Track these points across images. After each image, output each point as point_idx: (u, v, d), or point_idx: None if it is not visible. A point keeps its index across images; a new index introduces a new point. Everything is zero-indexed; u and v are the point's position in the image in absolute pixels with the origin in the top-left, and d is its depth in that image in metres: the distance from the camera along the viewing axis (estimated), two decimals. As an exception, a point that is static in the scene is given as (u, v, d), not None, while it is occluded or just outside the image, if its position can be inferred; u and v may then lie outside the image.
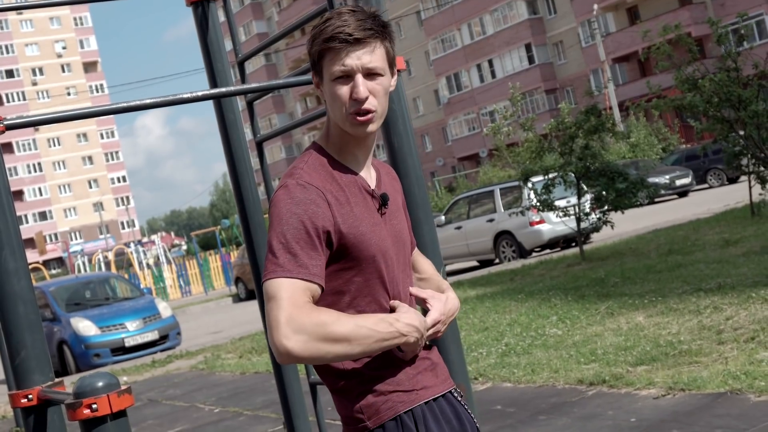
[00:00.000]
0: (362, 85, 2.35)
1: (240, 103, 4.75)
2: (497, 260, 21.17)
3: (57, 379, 3.35)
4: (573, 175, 15.73)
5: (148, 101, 3.39)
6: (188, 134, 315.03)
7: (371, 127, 2.40)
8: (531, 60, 64.25)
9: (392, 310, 2.39)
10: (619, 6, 57.80)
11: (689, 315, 8.68)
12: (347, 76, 2.36)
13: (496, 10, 65.26)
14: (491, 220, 21.00)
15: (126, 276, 33.54)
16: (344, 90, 2.36)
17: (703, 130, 16.22)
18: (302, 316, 2.19)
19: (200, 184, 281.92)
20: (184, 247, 71.20)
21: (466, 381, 3.73)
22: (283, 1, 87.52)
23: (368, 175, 2.50)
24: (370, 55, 2.36)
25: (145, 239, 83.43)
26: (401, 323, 2.31)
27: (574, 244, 20.70)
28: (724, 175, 33.54)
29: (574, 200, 16.91)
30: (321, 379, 2.48)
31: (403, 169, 3.86)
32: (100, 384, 2.60)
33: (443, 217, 22.12)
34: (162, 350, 17.10)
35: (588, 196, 16.60)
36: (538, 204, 16.18)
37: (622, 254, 15.18)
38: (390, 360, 2.39)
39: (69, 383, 13.09)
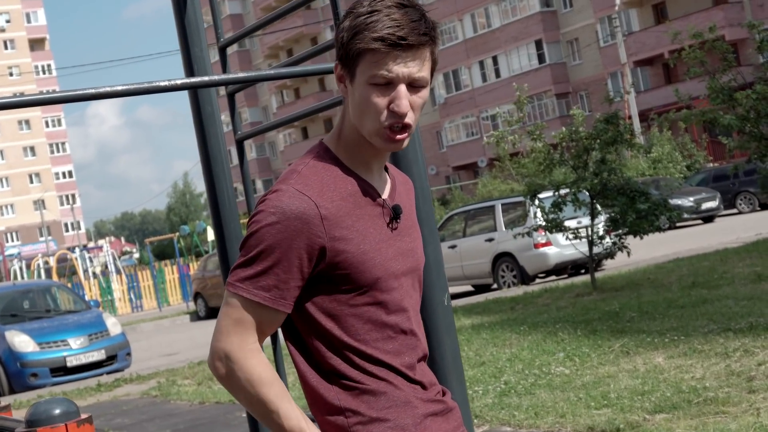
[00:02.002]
0: (405, 97, 2.31)
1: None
2: (495, 285, 21.19)
3: (2, 402, 3.33)
4: (587, 192, 15.75)
5: (119, 88, 3.37)
6: (147, 126, 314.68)
7: (404, 144, 2.38)
8: (541, 59, 64.45)
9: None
10: (644, 2, 58.06)
11: (716, 358, 8.70)
12: (388, 84, 2.31)
13: (504, 0, 65.46)
14: (490, 240, 21.02)
15: (69, 285, 33.40)
16: (381, 99, 2.31)
17: (735, 147, 16.28)
18: (241, 357, 2.29)
19: (157, 183, 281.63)
20: (137, 255, 71.16)
21: (470, 428, 3.72)
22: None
23: (381, 183, 2.46)
24: (418, 64, 2.32)
25: (91, 244, 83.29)
26: None
27: (583, 271, 20.75)
28: (756, 199, 33.69)
29: (585, 221, 16.92)
30: (310, 411, 2.46)
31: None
32: (57, 411, 2.58)
33: (436, 234, 22.15)
34: (109, 372, 17.03)
35: (602, 217, 16.62)
36: (546, 224, 16.18)
37: (638, 285, 15.21)
38: (396, 399, 2.36)
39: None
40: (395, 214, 2.43)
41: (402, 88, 2.30)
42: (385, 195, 2.45)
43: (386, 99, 2.31)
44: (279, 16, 4.50)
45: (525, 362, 10.25)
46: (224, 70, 4.76)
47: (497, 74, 67.17)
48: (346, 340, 2.35)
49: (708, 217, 33.01)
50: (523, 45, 65.12)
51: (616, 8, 50.74)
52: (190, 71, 4.80)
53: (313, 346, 2.37)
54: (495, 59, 67.24)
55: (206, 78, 3.64)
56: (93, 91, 3.36)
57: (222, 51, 4.77)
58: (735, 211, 34.43)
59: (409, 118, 2.32)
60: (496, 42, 66.61)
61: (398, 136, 2.34)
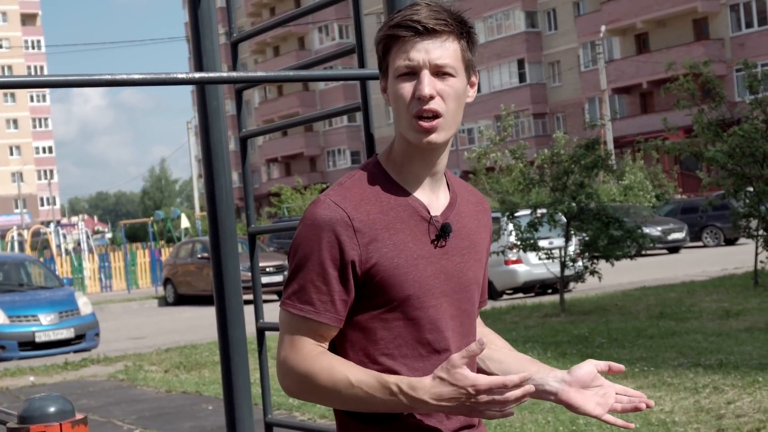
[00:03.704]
0: (428, 83, 2.23)
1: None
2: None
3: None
4: (563, 214, 15.66)
5: (136, 76, 3.19)
6: (131, 109, 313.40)
7: (435, 137, 2.26)
8: (522, 78, 64.55)
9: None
10: (628, 31, 58.20)
11: (685, 392, 8.59)
12: (412, 73, 2.25)
13: (491, 17, 65.48)
14: (462, 253, 20.88)
15: (42, 260, 33.07)
16: (407, 87, 2.25)
17: (710, 183, 16.23)
18: (295, 362, 2.25)
19: (135, 167, 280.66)
20: (109, 235, 70.58)
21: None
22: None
23: (433, 198, 2.35)
24: (440, 50, 2.26)
25: (65, 220, 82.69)
26: (416, 396, 2.13)
27: (550, 291, 20.67)
28: (722, 234, 33.78)
29: (557, 242, 16.84)
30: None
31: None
32: (52, 410, 2.42)
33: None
34: (76, 351, 16.75)
35: (575, 240, 16.53)
36: (520, 242, 16.08)
37: (606, 311, 15.12)
38: (414, 425, 2.27)
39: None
40: (443, 232, 2.31)
41: (425, 74, 2.24)
42: (436, 212, 2.34)
43: (412, 86, 2.26)
44: (295, 18, 4.35)
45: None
46: (234, 66, 4.60)
47: (477, 89, 66.29)
48: (375, 354, 2.27)
49: (674, 248, 33.05)
50: (505, 63, 65.18)
51: (600, 35, 50.78)
52: (199, 64, 4.64)
53: (347, 356, 2.29)
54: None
55: (224, 74, 3.48)
56: (108, 77, 3.18)
57: (234, 46, 4.61)
58: (700, 244, 34.49)
59: (436, 104, 2.24)
60: (478, 58, 66.01)
61: (426, 124, 2.23)
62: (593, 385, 2.36)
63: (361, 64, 3.85)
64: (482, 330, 2.53)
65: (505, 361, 2.45)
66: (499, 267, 19.94)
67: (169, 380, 12.32)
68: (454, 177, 2.47)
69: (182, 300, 28.63)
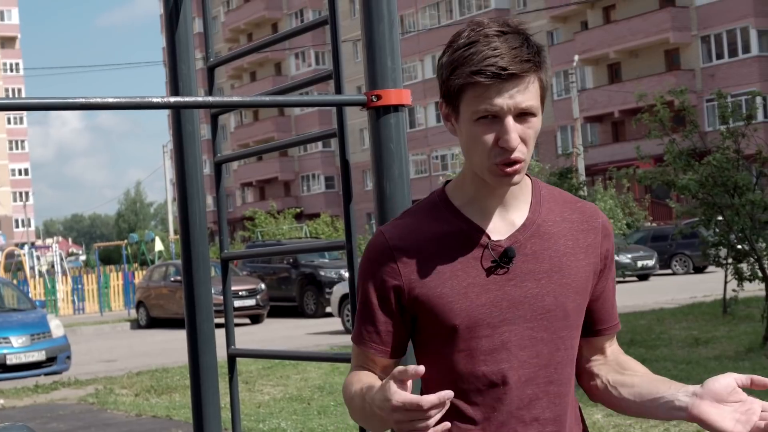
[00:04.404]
0: (513, 131, 2.10)
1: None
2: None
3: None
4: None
5: (110, 100, 3.15)
6: (107, 132, 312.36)
7: (517, 178, 2.15)
8: (495, 106, 64.63)
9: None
10: (601, 61, 58.51)
11: (654, 421, 8.56)
12: (493, 116, 2.11)
13: (465, 47, 65.60)
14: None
15: (15, 282, 32.79)
16: (489, 134, 2.12)
17: (683, 213, 16.25)
18: (344, 383, 2.30)
19: (110, 189, 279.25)
20: (83, 257, 70.20)
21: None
22: (232, 2, 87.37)
23: (500, 222, 2.22)
24: (524, 94, 2.10)
25: (39, 242, 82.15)
26: (374, 402, 2.00)
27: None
28: (691, 262, 33.90)
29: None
30: None
31: (392, 222, 3.66)
32: (17, 441, 2.36)
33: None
34: (47, 374, 16.58)
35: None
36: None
37: (577, 337, 15.09)
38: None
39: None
40: (505, 257, 2.18)
41: (509, 121, 2.10)
42: (499, 236, 2.20)
43: (493, 134, 2.11)
44: (272, 43, 4.31)
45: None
46: (211, 91, 4.55)
47: (452, 116, 67.19)
48: (443, 386, 2.11)
49: (644, 275, 33.13)
50: (479, 91, 65.26)
51: (574, 64, 50.99)
52: (175, 88, 4.59)
53: (427, 388, 2.26)
54: (451, 102, 67.33)
55: (199, 99, 3.44)
56: (83, 100, 3.14)
57: (210, 70, 4.57)
58: (669, 271, 34.60)
59: (520, 152, 2.11)
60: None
61: (509, 170, 2.12)
62: (732, 400, 2.09)
63: (338, 90, 3.82)
64: (619, 357, 2.34)
65: (637, 385, 2.25)
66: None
67: (139, 404, 12.20)
68: (557, 193, 2.33)
69: (155, 323, 28.45)
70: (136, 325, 29.40)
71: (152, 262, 43.00)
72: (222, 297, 4.28)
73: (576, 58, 51.96)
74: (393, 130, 3.65)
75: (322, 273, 27.76)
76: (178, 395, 12.61)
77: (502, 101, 2.09)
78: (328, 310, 25.86)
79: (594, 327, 2.32)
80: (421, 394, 2.16)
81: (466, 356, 2.17)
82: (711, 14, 52.44)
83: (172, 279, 27.56)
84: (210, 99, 3.49)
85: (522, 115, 2.11)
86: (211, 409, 4.36)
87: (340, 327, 22.26)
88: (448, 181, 2.33)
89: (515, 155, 2.10)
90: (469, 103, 2.13)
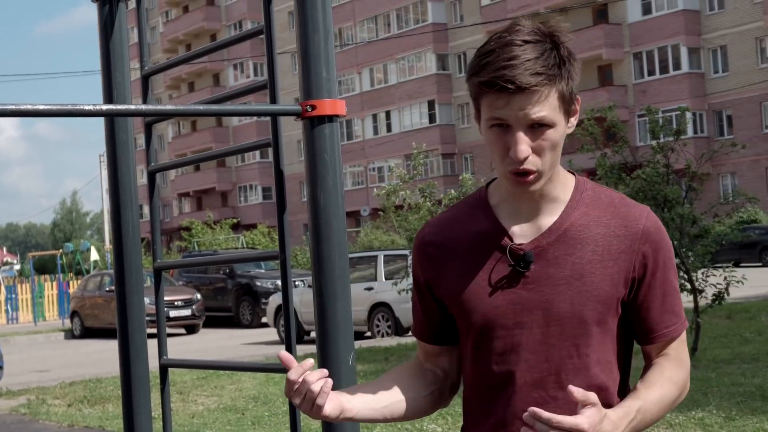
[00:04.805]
0: (522, 142, 2.09)
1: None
2: (369, 334, 21.00)
3: None
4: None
5: (41, 107, 3.10)
6: (43, 141, 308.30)
7: (535, 187, 2.14)
8: (432, 118, 64.95)
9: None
10: (535, 77, 58.94)
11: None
12: (507, 126, 2.11)
13: (403, 59, 65.89)
14: (369, 289, 20.85)
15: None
16: (501, 139, 2.12)
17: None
18: None
19: (46, 198, 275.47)
20: (17, 267, 69.26)
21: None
22: (171, 12, 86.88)
23: (527, 225, 2.21)
24: (537, 106, 2.08)
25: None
26: None
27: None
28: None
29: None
30: None
31: (326, 232, 3.63)
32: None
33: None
34: (-22, 384, 16.30)
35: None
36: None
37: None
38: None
39: None
40: (523, 261, 2.18)
41: (518, 133, 2.09)
42: (523, 240, 2.20)
43: (506, 143, 2.11)
44: (209, 52, 4.28)
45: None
46: (145, 100, 4.50)
47: (389, 128, 67.48)
48: (465, 380, 2.33)
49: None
50: (416, 103, 65.56)
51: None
52: (109, 96, 4.53)
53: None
54: (388, 114, 67.57)
55: (132, 107, 3.40)
56: (13, 107, 3.08)
57: (145, 79, 4.52)
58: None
59: (531, 164, 2.10)
60: (390, 98, 66.94)
61: (522, 180, 2.12)
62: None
63: (273, 99, 3.79)
64: (653, 364, 2.24)
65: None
66: (406, 303, 19.90)
67: (71, 414, 12.03)
68: (604, 196, 2.26)
69: (89, 333, 28.16)
70: (70, 335, 29.06)
71: (87, 271, 42.55)
72: (155, 307, 4.23)
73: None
74: (327, 140, 3.64)
75: (258, 283, 27.67)
76: (111, 405, 12.45)
77: (512, 113, 2.08)
78: (264, 320, 25.76)
79: (640, 336, 2.26)
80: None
81: (482, 355, 2.22)
82: (643, 32, 53.13)
83: (107, 289, 27.30)
84: (143, 107, 3.45)
85: (535, 126, 2.09)
86: (142, 420, 4.30)
87: (276, 337, 22.17)
88: (495, 178, 2.32)
89: (526, 166, 2.10)
90: (485, 109, 2.14)
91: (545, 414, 1.93)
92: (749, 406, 8.77)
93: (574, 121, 2.20)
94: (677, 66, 52.03)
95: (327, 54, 3.70)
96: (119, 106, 3.31)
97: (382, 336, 20.29)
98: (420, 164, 17.94)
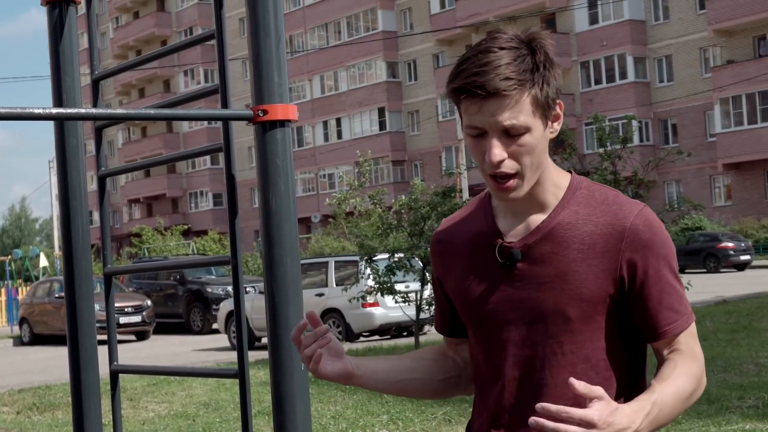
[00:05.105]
0: (495, 147, 2.12)
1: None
2: (320, 339, 20.93)
3: None
4: (419, 259, 15.72)
5: (-11, 111, 3.04)
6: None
7: (515, 194, 2.17)
8: (382, 126, 65.01)
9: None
10: (484, 85, 59.18)
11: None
12: (482, 132, 2.13)
13: (353, 67, 65.91)
14: (320, 295, 20.81)
15: None
16: (478, 146, 2.16)
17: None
18: None
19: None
20: (-35, 273, 68.36)
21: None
22: (121, 18, 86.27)
23: (517, 224, 2.25)
24: (508, 111, 2.09)
25: None
26: None
27: (405, 333, 20.71)
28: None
29: (413, 285, 16.90)
30: None
31: (277, 237, 3.61)
32: None
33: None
34: (-75, 391, 16.06)
35: (429, 284, 16.59)
36: (378, 286, 16.06)
37: (461, 353, 15.17)
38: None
39: None
40: (509, 259, 2.22)
41: (492, 138, 2.12)
42: (513, 239, 2.24)
43: (483, 149, 2.15)
44: (160, 56, 4.23)
45: (349, 421, 10.02)
46: (95, 104, 4.45)
47: (339, 136, 67.47)
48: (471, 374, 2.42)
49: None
50: (366, 111, 65.61)
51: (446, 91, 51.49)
52: (58, 100, 4.47)
53: None
54: (338, 121, 67.56)
55: (83, 110, 3.34)
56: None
57: (95, 83, 4.47)
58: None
59: (507, 168, 2.13)
60: (341, 105, 66.94)
61: (503, 186, 2.15)
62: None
63: (224, 104, 3.76)
64: (666, 360, 2.22)
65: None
66: (356, 309, 19.89)
67: (20, 422, 11.88)
68: (598, 194, 2.26)
69: (39, 340, 27.84)
70: (19, 341, 28.73)
71: (37, 278, 42.11)
72: (105, 313, 4.18)
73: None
74: (279, 145, 3.61)
75: (209, 289, 27.52)
76: (61, 413, 12.31)
77: (484, 119, 2.11)
78: (215, 326, 25.61)
79: (645, 335, 2.25)
80: None
81: (477, 350, 2.32)
82: (590, 41, 53.56)
83: (57, 295, 27.01)
84: (93, 110, 3.40)
85: (510, 131, 2.11)
86: (92, 427, 4.24)
87: (227, 343, 22.05)
88: None
89: (503, 170, 2.13)
90: (463, 116, 2.17)
91: (554, 407, 1.92)
92: (695, 409, 8.83)
93: (557, 125, 2.22)
94: (623, 75, 52.49)
95: (279, 59, 3.67)
96: (69, 110, 3.25)
97: (333, 342, 20.23)
98: (367, 171, 17.93)
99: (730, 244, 37.61)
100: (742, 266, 37.46)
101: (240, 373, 3.61)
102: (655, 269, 2.20)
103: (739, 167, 48.51)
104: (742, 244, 38.04)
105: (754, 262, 38.61)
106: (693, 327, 2.27)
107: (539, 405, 1.92)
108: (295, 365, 3.56)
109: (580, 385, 1.94)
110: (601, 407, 1.95)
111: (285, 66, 3.70)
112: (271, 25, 3.68)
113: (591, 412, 1.93)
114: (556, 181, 2.26)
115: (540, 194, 2.23)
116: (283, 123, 3.60)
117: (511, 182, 2.15)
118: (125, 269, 4.55)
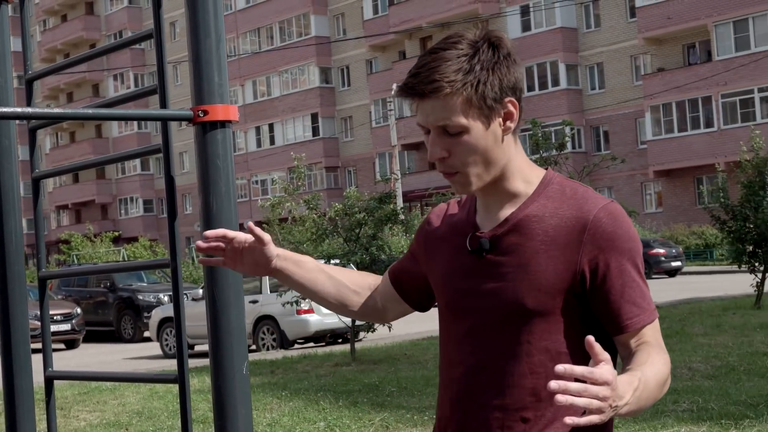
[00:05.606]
0: (433, 145, 2.23)
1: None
2: (254, 347, 20.83)
3: None
4: (355, 266, 15.70)
5: None
6: None
7: (464, 190, 2.27)
8: (315, 132, 64.95)
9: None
10: (417, 91, 59.35)
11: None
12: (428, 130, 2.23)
13: (286, 72, 65.77)
14: (254, 302, 20.70)
15: None
16: (427, 143, 2.28)
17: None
18: None
19: None
20: None
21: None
22: (49, 21, 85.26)
23: (488, 216, 2.34)
24: (438, 112, 2.18)
25: None
26: None
27: (341, 340, 20.67)
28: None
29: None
30: None
31: (219, 239, 3.56)
32: None
33: (201, 291, 21.62)
34: None
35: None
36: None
37: (396, 359, 15.19)
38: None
39: None
40: (478, 248, 2.30)
41: (431, 136, 2.23)
42: (485, 229, 2.32)
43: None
44: (96, 56, 4.17)
45: (285, 429, 9.97)
46: (29, 104, 4.37)
47: (272, 141, 67.27)
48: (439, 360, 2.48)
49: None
50: (299, 116, 65.52)
51: (392, 92, 51.62)
52: (-9, 100, 4.39)
53: None
54: (271, 127, 67.37)
55: (18, 109, 3.27)
56: None
57: (29, 84, 4.38)
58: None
59: (448, 166, 2.24)
60: (273, 111, 66.75)
61: (451, 181, 2.28)
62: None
63: (163, 104, 3.71)
64: (637, 351, 2.22)
65: None
66: (290, 316, 19.82)
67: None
68: (568, 189, 2.30)
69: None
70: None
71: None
72: (37, 322, 4.11)
73: (394, 86, 52.50)
74: (220, 146, 3.57)
75: (140, 297, 27.26)
76: (-11, 422, 12.08)
77: (421, 118, 2.23)
78: (147, 334, 25.37)
79: (607, 327, 2.27)
80: None
81: (443, 336, 2.38)
82: (523, 48, 53.93)
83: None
84: (29, 110, 3.33)
85: (446, 131, 2.20)
86: (26, 435, 4.16)
87: (158, 351, 21.84)
88: None
89: (444, 168, 2.24)
90: None
91: (578, 368, 1.90)
92: (656, 409, 8.92)
93: (510, 123, 2.27)
94: (556, 82, 52.95)
95: (219, 59, 3.63)
96: (3, 109, 3.19)
97: (267, 349, 20.14)
98: (302, 174, 17.87)
99: (662, 251, 38.03)
100: (673, 272, 37.92)
101: (180, 378, 3.56)
102: (618, 263, 2.22)
103: (670, 174, 49.18)
104: (673, 251, 38.49)
105: (685, 268, 39.09)
106: (657, 323, 2.29)
107: (560, 366, 1.90)
108: (236, 369, 3.51)
109: (595, 346, 1.92)
110: (611, 370, 1.96)
111: (225, 66, 3.67)
112: (211, 25, 3.65)
113: (607, 373, 1.92)
114: (527, 175, 2.32)
115: (508, 187, 2.30)
116: (223, 123, 3.57)
117: (455, 177, 2.24)
118: (61, 273, 4.48)
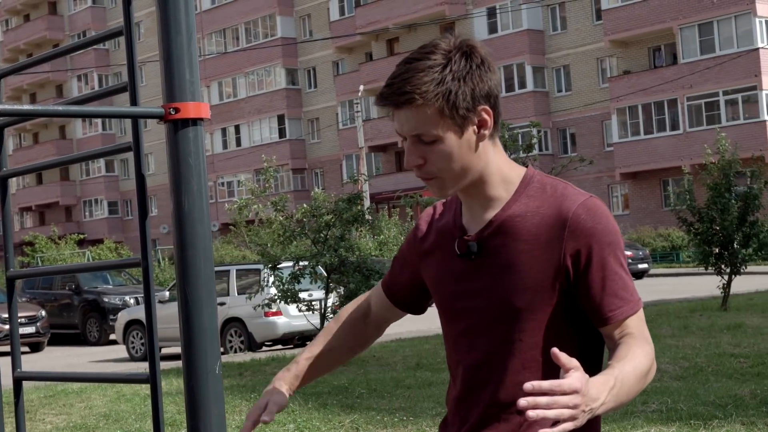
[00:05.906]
0: (408, 152, 2.30)
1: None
2: (222, 350, 20.77)
3: None
4: (323, 268, 15.68)
5: None
6: None
7: (441, 194, 2.33)
8: (282, 133, 64.87)
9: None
10: (384, 92, 59.38)
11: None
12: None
13: (252, 73, 65.64)
14: (222, 304, 20.61)
15: None
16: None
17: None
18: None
19: None
20: None
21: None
22: (11, 21, 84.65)
23: (474, 219, 2.39)
24: (411, 122, 2.23)
25: None
26: None
27: (309, 342, 20.64)
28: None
29: (316, 294, 16.83)
30: None
31: (190, 238, 3.52)
32: None
33: (167, 293, 21.51)
34: None
35: (334, 293, 16.54)
36: (281, 294, 15.95)
37: (364, 362, 15.16)
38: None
39: None
40: (467, 251, 2.36)
41: (407, 143, 2.29)
42: (472, 232, 2.38)
43: None
44: (65, 53, 4.13)
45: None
46: (-3, 101, 4.32)
47: (238, 143, 67.11)
48: None
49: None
50: (266, 118, 65.40)
51: (359, 94, 51.65)
52: (-42, 98, 4.34)
53: None
54: (237, 128, 67.22)
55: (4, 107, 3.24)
56: None
57: (-3, 81, 4.34)
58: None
59: (426, 173, 2.29)
60: (240, 112, 66.59)
61: (427, 183, 2.31)
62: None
63: (134, 101, 3.66)
64: (619, 343, 2.26)
65: None
66: (258, 318, 19.77)
67: None
68: (549, 187, 2.34)
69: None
70: None
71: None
72: (5, 325, 4.06)
73: (361, 88, 52.67)
74: (192, 144, 3.53)
75: (106, 299, 27.10)
76: (-48, 426, 11.95)
77: (396, 126, 2.29)
78: (112, 337, 25.22)
79: (592, 320, 2.32)
80: None
81: (446, 337, 2.47)
82: (489, 50, 54.08)
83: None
84: (11, 107, 3.30)
85: (420, 139, 2.26)
86: (-7, 437, 4.11)
87: (125, 354, 21.73)
88: None
89: (421, 174, 2.29)
90: None
91: (546, 383, 1.95)
92: (625, 410, 8.95)
93: (485, 131, 2.29)
94: (522, 84, 53.14)
95: (190, 56, 3.59)
96: (-25, 104, 3.15)
97: (235, 352, 20.09)
98: (271, 177, 17.81)
99: (629, 253, 38.21)
100: (640, 274, 38.12)
101: (152, 378, 3.52)
102: (599, 257, 2.26)
103: (636, 176, 49.47)
104: (640, 253, 38.72)
105: (652, 271, 39.33)
106: (641, 313, 2.35)
107: (528, 384, 1.95)
108: (209, 368, 3.49)
109: (561, 356, 1.99)
110: (580, 376, 2.00)
111: (197, 64, 3.63)
112: (182, 21, 3.60)
113: (575, 382, 1.97)
114: (507, 176, 2.36)
115: (488, 191, 2.35)
116: (195, 121, 3.52)
117: (431, 182, 2.30)
118: (29, 272, 4.42)
